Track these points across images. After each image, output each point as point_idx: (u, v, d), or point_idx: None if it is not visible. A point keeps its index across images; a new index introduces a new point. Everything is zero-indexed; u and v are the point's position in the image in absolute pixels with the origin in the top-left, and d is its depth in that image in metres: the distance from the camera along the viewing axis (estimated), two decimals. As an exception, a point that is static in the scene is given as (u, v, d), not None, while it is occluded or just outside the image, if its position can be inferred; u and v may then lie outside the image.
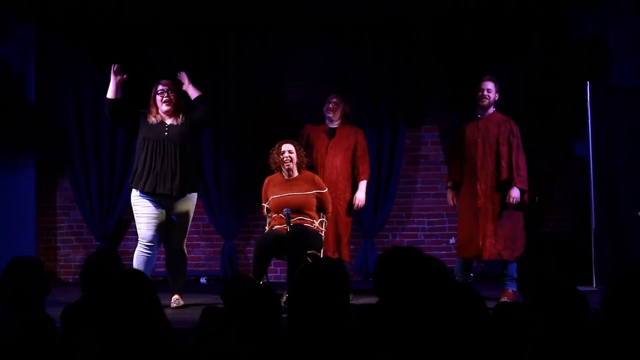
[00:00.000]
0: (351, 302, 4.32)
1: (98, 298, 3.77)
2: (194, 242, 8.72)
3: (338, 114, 7.22)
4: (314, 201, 6.67)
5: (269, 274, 7.69)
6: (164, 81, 6.71)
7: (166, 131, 6.53)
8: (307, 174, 6.76)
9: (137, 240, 8.80)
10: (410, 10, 8.26)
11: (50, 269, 8.47)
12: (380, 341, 3.08)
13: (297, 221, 6.46)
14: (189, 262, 8.85)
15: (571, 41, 8.24)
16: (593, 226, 7.61)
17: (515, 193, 6.83)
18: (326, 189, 6.77)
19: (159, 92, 6.60)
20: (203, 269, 8.73)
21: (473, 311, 2.96)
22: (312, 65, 8.73)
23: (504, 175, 6.90)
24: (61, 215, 8.77)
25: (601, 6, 8.04)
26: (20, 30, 8.10)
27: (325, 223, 6.81)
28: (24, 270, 4.06)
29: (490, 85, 7.02)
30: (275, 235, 6.43)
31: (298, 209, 6.53)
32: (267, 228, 6.72)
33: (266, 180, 6.79)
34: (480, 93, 7.02)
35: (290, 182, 6.66)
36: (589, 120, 7.65)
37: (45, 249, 8.62)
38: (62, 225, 8.77)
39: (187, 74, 8.55)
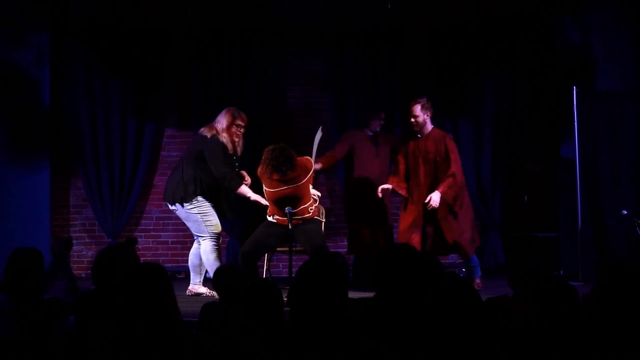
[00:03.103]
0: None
1: (112, 289, 3.77)
2: (201, 239, 8.73)
3: None
4: (308, 185, 6.47)
5: (271, 269, 7.70)
6: (244, 116, 6.83)
7: (237, 164, 6.84)
8: (299, 163, 6.39)
9: (146, 237, 8.82)
10: (405, 20, 8.28)
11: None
12: (377, 331, 3.08)
13: (299, 220, 6.43)
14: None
15: (558, 48, 8.25)
16: (579, 224, 7.61)
17: (435, 196, 6.83)
18: (313, 168, 6.55)
19: (237, 124, 6.76)
20: (209, 264, 8.73)
21: (467, 303, 2.96)
22: (312, 71, 8.76)
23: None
24: (74, 213, 8.78)
25: (587, 15, 8.05)
26: (35, 38, 8.11)
27: (317, 205, 6.75)
28: (25, 260, 4.10)
29: (416, 110, 6.94)
30: (275, 235, 6.44)
31: (293, 200, 6.35)
32: (268, 215, 6.61)
33: (258, 171, 6.47)
34: (410, 120, 7.01)
35: (283, 177, 6.36)
36: (575, 124, 7.65)
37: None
38: (75, 223, 8.78)
39: (194, 78, 8.62)
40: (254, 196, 6.69)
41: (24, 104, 8.11)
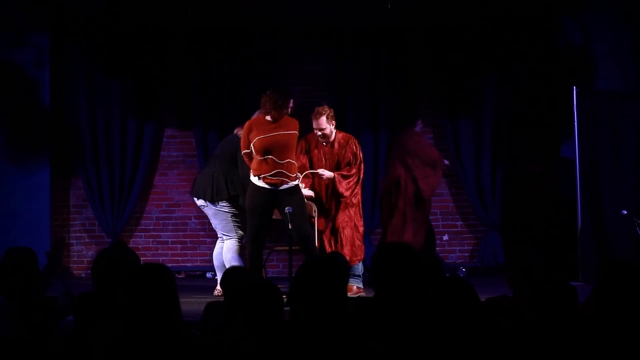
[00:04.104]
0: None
1: (112, 290, 3.77)
2: (200, 239, 8.73)
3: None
4: (295, 141, 6.41)
5: (269, 269, 7.71)
6: None
7: None
8: (289, 118, 6.40)
9: (146, 237, 8.84)
10: (405, 20, 8.28)
11: (63, 265, 8.49)
12: (377, 332, 3.08)
13: (281, 179, 6.22)
14: (195, 257, 8.86)
15: (559, 48, 8.26)
16: (579, 224, 7.62)
17: (328, 173, 6.74)
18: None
19: None
20: (209, 264, 8.72)
21: (466, 303, 2.96)
22: (312, 71, 8.77)
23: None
24: (74, 213, 8.78)
25: (587, 16, 8.06)
26: (35, 38, 8.13)
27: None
28: (18, 260, 4.10)
29: (322, 122, 6.71)
30: (266, 205, 6.29)
31: (282, 150, 6.23)
32: (252, 176, 6.31)
33: (247, 124, 6.36)
34: (316, 132, 6.78)
35: (275, 124, 6.29)
36: (575, 124, 7.65)
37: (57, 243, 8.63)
38: (75, 223, 8.78)
39: (194, 78, 8.62)
40: None
41: (24, 104, 8.12)
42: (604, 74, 8.03)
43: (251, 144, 6.27)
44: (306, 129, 7.83)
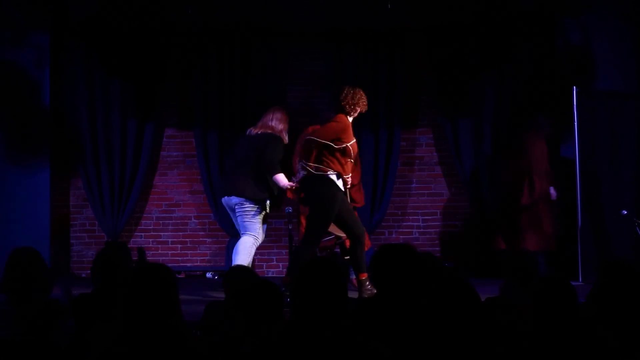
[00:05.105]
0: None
1: (111, 290, 3.78)
2: (200, 239, 8.73)
3: None
4: None
5: (269, 269, 7.71)
6: None
7: None
8: None
9: (146, 237, 8.84)
10: (405, 20, 8.27)
11: (66, 268, 8.51)
12: (377, 332, 3.09)
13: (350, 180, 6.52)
14: (195, 257, 8.84)
15: (558, 48, 8.26)
16: (579, 224, 7.62)
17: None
18: None
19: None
20: (209, 264, 8.74)
21: (466, 303, 2.96)
22: (312, 71, 8.76)
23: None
24: (74, 213, 8.78)
25: (587, 16, 8.06)
26: (35, 38, 8.13)
27: None
28: (24, 260, 4.11)
29: None
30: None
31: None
32: (337, 176, 6.42)
33: (346, 123, 6.48)
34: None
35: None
36: (575, 124, 7.66)
37: (60, 245, 8.63)
38: (75, 223, 8.78)
39: (194, 78, 8.62)
40: (288, 183, 6.74)
41: (24, 104, 8.13)
42: (604, 74, 8.03)
43: (347, 145, 6.39)
44: (304, 129, 7.85)
